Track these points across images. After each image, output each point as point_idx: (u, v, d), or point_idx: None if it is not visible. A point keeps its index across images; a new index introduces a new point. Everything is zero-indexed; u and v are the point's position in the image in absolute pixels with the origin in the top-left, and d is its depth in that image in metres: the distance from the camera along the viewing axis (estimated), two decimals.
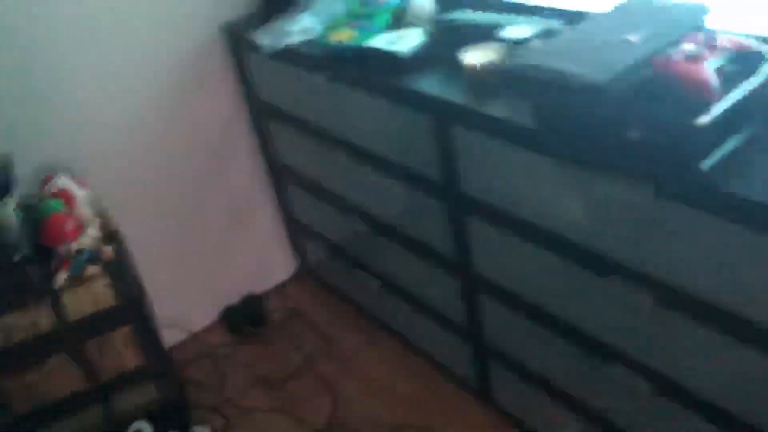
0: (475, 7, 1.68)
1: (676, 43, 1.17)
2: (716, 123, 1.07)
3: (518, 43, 1.39)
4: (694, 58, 1.11)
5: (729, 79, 1.14)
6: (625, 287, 1.31)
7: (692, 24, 1.23)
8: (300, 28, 1.87)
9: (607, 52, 1.16)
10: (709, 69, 1.10)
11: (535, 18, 1.53)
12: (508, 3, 1.67)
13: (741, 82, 1.13)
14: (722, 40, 1.16)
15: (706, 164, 1.09)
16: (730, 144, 1.13)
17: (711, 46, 1.14)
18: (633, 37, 1.19)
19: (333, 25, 1.80)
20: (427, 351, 2.15)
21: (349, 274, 2.32)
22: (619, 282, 1.31)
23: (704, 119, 1.06)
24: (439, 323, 1.97)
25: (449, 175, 1.58)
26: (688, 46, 1.14)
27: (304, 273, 2.66)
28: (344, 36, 1.72)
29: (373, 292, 2.22)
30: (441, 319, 1.95)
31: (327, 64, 1.76)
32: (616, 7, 1.33)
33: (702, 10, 1.26)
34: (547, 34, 1.41)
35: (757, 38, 1.21)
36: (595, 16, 1.33)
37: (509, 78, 1.26)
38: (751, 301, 1.11)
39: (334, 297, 2.51)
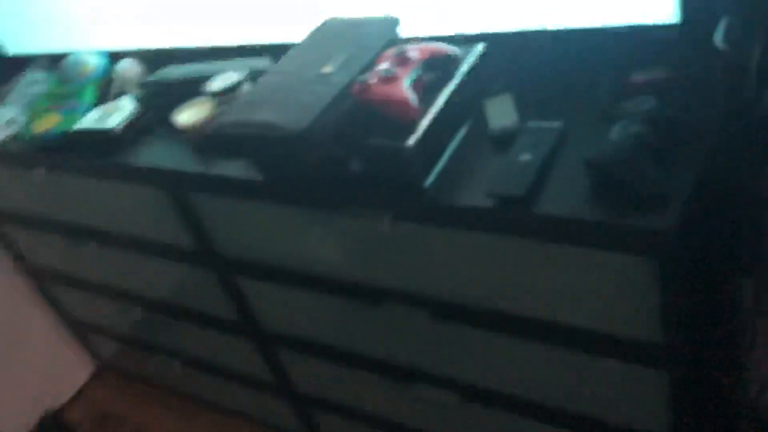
0: (184, 60, 1.57)
1: (372, 64, 1.14)
2: (425, 139, 1.06)
3: (225, 93, 1.31)
4: (389, 79, 1.09)
5: (430, 88, 1.13)
6: (400, 310, 1.28)
7: (386, 39, 1.21)
8: (1, 123, 1.66)
9: (305, 91, 1.11)
10: (405, 87, 1.08)
11: (244, 60, 1.45)
12: (217, 48, 1.58)
13: (441, 88, 1.13)
14: (414, 52, 1.14)
15: (427, 183, 1.08)
16: (447, 154, 1.12)
17: (404, 60, 1.12)
18: (328, 68, 1.14)
19: (36, 113, 1.61)
20: (249, 414, 2.03)
21: (148, 360, 2.14)
22: (394, 306, 1.28)
23: (412, 139, 1.04)
24: (250, 385, 1.86)
25: (204, 242, 1.48)
26: (382, 67, 1.11)
27: (104, 370, 2.43)
28: (49, 123, 1.55)
29: (177, 372, 2.06)
30: (250, 380, 1.84)
31: (39, 158, 1.58)
32: (311, 34, 1.28)
33: (394, 22, 1.24)
34: (253, 77, 1.34)
35: (452, 37, 1.23)
36: (294, 48, 1.27)
37: (219, 140, 1.17)
38: (508, 298, 1.12)
39: (141, 386, 2.31)
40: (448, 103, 1.11)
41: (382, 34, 1.22)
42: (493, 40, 1.21)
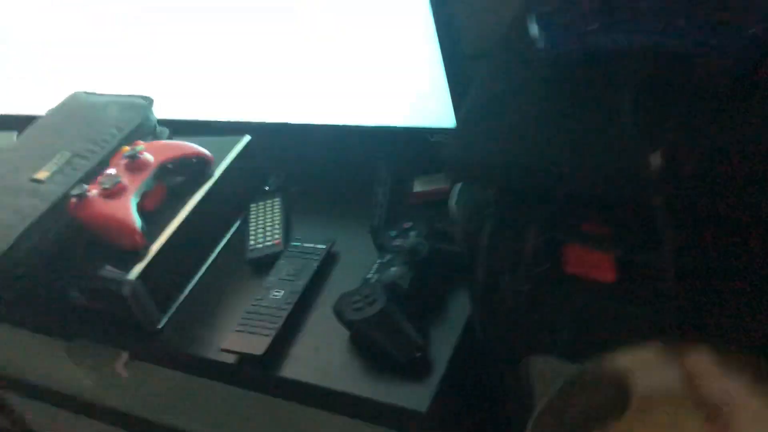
0: None
1: (101, 167, 0.92)
2: (156, 268, 0.85)
3: None
4: (113, 191, 0.87)
5: (175, 197, 0.93)
6: None
7: (129, 129, 0.98)
8: None
9: (5, 206, 0.87)
10: (131, 203, 0.87)
11: None
12: None
13: (186, 197, 0.92)
14: (151, 153, 0.92)
15: (162, 321, 0.87)
16: (194, 281, 0.92)
17: (137, 164, 0.90)
18: (44, 173, 0.91)
19: None
20: None
21: None
22: None
23: (134, 271, 0.84)
24: None
25: None
26: (109, 174, 0.88)
27: None
28: None
29: None
30: None
31: None
32: (49, 113, 1.04)
33: (143, 106, 1.02)
34: None
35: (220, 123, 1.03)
36: (25, 134, 1.03)
37: None
38: None
39: None
40: (194, 216, 0.91)
41: (125, 122, 0.99)
42: (264, 129, 1.02)
